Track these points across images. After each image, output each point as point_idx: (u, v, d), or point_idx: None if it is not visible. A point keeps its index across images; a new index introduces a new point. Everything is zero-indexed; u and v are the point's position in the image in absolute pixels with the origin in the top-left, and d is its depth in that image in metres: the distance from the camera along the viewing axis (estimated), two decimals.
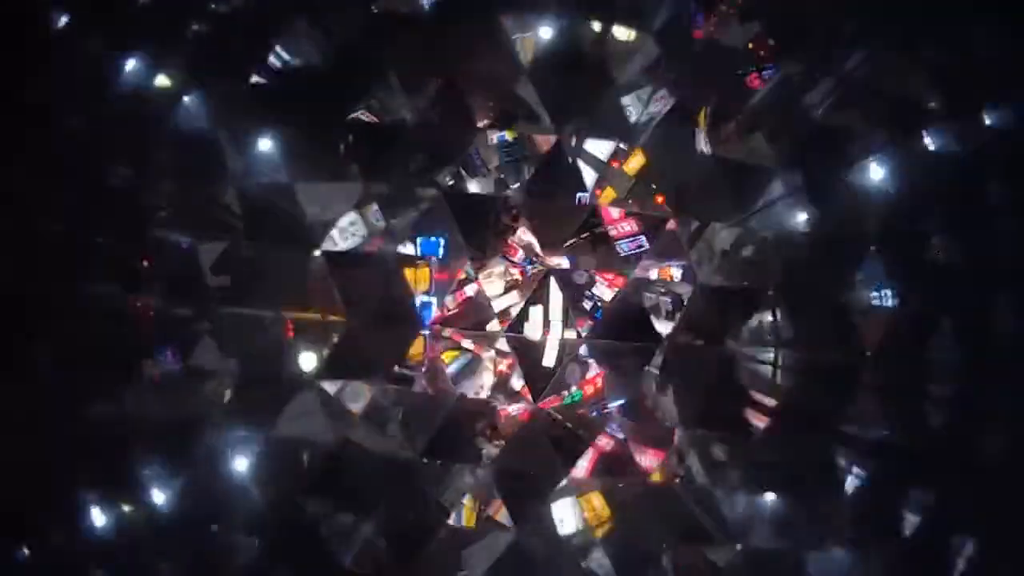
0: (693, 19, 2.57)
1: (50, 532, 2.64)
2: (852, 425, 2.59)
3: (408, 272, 2.68)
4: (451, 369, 2.76)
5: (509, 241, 2.78)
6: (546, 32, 2.56)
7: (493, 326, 2.68)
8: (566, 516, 2.70)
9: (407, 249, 2.70)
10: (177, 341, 2.59)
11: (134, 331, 2.58)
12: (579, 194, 2.68)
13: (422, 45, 2.53)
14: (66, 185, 2.54)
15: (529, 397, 2.66)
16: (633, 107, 2.66)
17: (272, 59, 2.52)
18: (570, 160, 2.63)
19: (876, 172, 2.55)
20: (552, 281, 2.67)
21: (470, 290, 2.76)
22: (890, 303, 2.51)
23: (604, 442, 2.73)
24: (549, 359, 2.71)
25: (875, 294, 2.54)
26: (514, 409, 2.74)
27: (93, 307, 2.55)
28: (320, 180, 2.59)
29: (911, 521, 2.54)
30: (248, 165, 2.55)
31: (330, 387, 2.63)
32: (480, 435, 2.76)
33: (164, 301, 2.56)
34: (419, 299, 2.67)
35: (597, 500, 2.71)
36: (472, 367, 2.79)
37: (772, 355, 2.60)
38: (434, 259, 2.70)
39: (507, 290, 2.79)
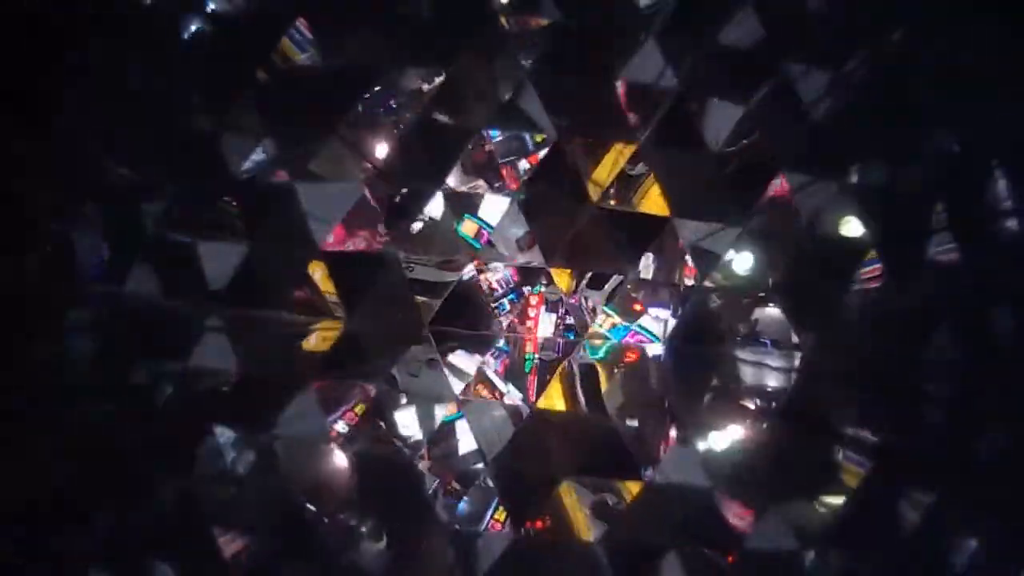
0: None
1: (51, 532, 2.64)
2: (852, 425, 2.59)
3: None
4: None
5: None
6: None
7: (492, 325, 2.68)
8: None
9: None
10: (177, 341, 2.60)
11: (134, 331, 2.59)
12: None
13: (422, 44, 2.53)
14: (67, 184, 2.54)
15: (529, 395, 2.67)
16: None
17: (273, 59, 2.52)
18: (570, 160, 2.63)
19: (876, 172, 2.55)
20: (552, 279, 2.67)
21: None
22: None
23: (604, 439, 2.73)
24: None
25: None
26: (513, 407, 2.75)
27: (93, 309, 2.56)
28: (320, 180, 2.59)
29: (911, 521, 2.54)
30: (248, 165, 2.55)
31: (329, 388, 2.63)
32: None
33: (164, 301, 2.56)
34: None
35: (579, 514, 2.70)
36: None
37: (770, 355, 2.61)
38: None
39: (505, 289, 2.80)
